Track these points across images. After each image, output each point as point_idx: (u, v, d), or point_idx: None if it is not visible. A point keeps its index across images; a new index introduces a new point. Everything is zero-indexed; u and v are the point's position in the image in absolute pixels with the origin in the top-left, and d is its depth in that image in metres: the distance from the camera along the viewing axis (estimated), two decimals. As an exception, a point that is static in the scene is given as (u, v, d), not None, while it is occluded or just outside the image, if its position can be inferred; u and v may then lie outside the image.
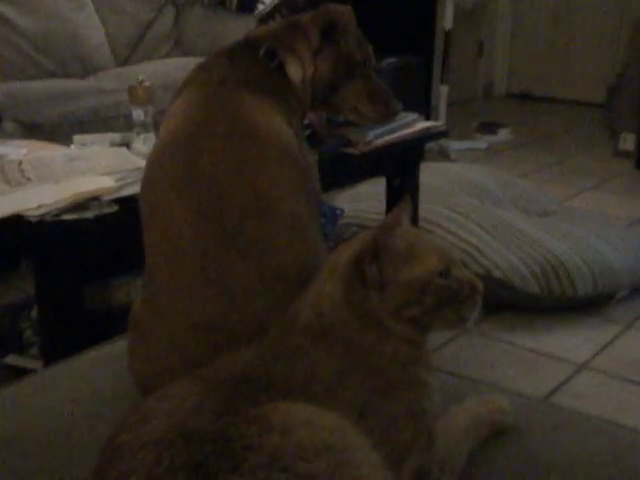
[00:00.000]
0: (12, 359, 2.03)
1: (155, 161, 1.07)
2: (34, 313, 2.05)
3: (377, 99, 1.27)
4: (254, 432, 0.70)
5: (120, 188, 1.77)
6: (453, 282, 0.88)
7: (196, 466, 0.68)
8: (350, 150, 2.33)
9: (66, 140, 2.30)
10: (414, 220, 2.68)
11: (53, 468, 0.96)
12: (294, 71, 1.17)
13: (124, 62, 3.83)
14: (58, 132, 2.85)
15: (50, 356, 1.81)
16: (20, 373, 1.98)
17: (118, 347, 1.16)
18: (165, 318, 0.98)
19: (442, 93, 4.43)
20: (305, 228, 1.03)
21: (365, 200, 3.05)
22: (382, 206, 2.70)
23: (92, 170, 1.86)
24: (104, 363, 1.21)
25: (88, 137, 2.24)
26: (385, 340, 0.86)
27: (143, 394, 1.00)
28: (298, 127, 1.19)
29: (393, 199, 2.66)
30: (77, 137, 2.25)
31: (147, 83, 2.16)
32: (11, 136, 2.66)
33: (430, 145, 4.16)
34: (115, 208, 1.75)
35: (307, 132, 2.26)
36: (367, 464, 0.72)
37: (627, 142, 4.32)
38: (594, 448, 0.98)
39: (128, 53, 3.86)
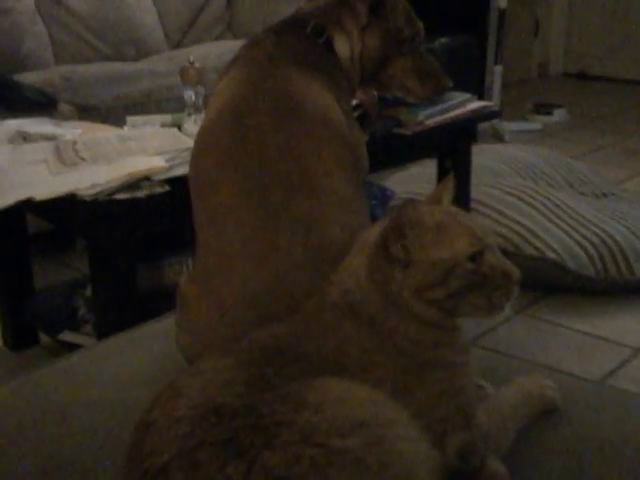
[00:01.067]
0: (67, 336, 2.08)
1: (203, 138, 1.07)
2: (88, 291, 2.09)
3: (426, 75, 1.25)
4: (287, 409, 0.69)
5: (171, 168, 1.79)
6: (484, 267, 0.84)
7: (228, 441, 0.68)
8: (401, 130, 2.31)
9: (119, 122, 2.33)
10: (466, 202, 2.64)
11: (103, 435, 0.97)
12: (342, 47, 1.16)
13: (177, 45, 3.86)
14: (112, 114, 2.90)
15: (103, 333, 1.84)
16: (74, 350, 2.03)
17: (170, 322, 1.18)
18: (211, 293, 0.99)
19: (496, 73, 4.36)
20: (351, 205, 1.02)
21: (416, 182, 3.02)
22: (433, 188, 2.67)
23: (144, 150, 1.89)
24: (156, 337, 1.22)
25: (140, 118, 2.26)
26: (408, 321, 0.83)
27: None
28: (346, 104, 1.18)
29: (444, 180, 2.63)
30: (130, 118, 2.28)
31: (198, 64, 2.18)
32: (66, 118, 2.71)
33: (483, 126, 4.11)
34: (166, 188, 1.76)
35: (357, 112, 2.25)
36: (404, 438, 0.71)
37: (688, 122, 4.20)
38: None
39: (180, 36, 3.89)
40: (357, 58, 1.18)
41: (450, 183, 0.95)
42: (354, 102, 2.24)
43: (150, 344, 1.21)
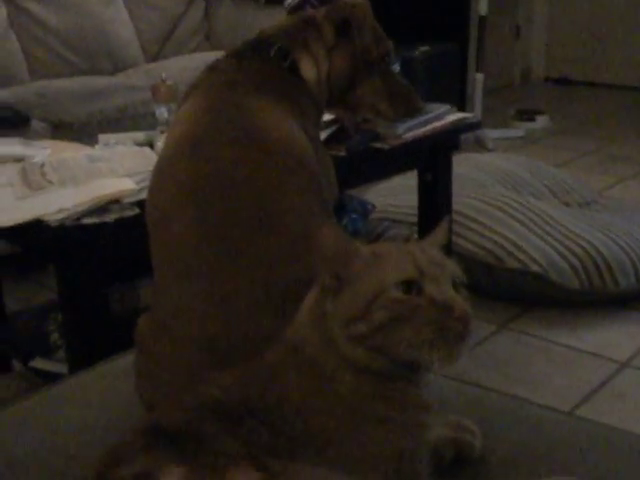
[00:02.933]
0: (39, 362, 2.02)
1: (160, 169, 1.02)
2: (61, 316, 2.03)
3: (397, 97, 1.21)
4: None
5: (141, 190, 1.73)
6: (421, 299, 0.73)
7: None
8: (379, 144, 2.26)
9: (93, 138, 2.27)
10: (447, 214, 2.60)
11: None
12: (308, 70, 1.12)
13: (154, 58, 3.81)
14: (86, 130, 2.84)
15: (75, 360, 1.79)
16: (46, 377, 1.97)
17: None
18: (168, 335, 0.94)
19: (478, 81, 4.33)
20: None
21: (397, 194, 2.98)
22: (414, 200, 2.63)
23: (113, 172, 1.83)
24: (125, 374, 1.17)
25: (112, 137, 2.21)
26: (345, 367, 0.75)
27: (149, 411, 0.96)
28: (313, 130, 1.13)
29: (425, 193, 2.59)
30: (102, 136, 2.22)
31: (170, 81, 2.13)
32: (39, 135, 2.65)
33: (466, 134, 4.07)
34: (136, 211, 1.71)
35: (334, 127, 2.20)
36: None
37: (670, 127, 4.18)
38: (624, 464, 0.92)
39: (157, 49, 3.84)
40: (324, 80, 1.14)
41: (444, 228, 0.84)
42: (330, 117, 2.20)
43: (118, 383, 1.15)
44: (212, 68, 1.10)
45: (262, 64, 1.09)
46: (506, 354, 2.35)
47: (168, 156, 1.01)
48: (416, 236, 2.67)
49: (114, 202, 1.71)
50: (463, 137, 4.04)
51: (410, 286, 0.74)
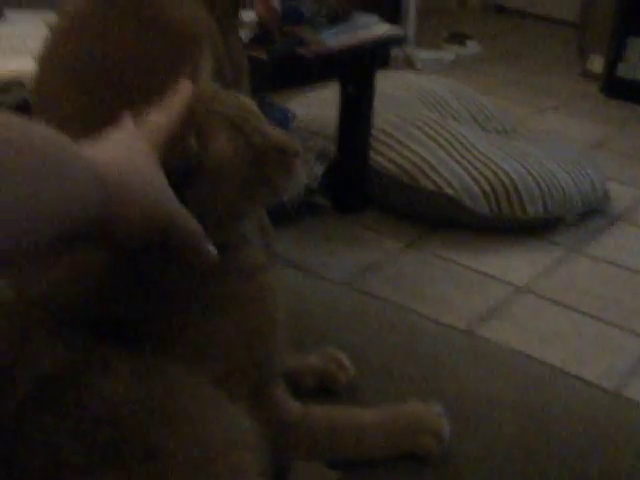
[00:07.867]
0: None
1: (49, 49, 0.95)
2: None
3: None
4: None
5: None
6: None
7: None
8: (302, 50, 2.21)
9: None
10: (367, 130, 2.58)
11: None
12: None
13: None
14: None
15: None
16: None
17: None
18: None
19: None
20: None
21: (318, 106, 2.93)
22: (334, 114, 2.60)
23: (16, 50, 1.73)
24: None
25: (21, 14, 2.08)
26: None
27: None
28: (227, 19, 1.06)
29: (346, 106, 2.56)
30: (9, 12, 2.09)
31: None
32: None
33: (396, 52, 4.03)
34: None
35: (257, 29, 2.13)
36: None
37: (595, 64, 4.22)
38: (505, 381, 0.94)
39: None
40: None
41: None
42: (254, 20, 2.12)
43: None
44: None
45: None
46: (411, 272, 2.39)
47: (57, 36, 0.94)
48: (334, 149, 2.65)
49: (16, 83, 1.63)
50: (393, 55, 4.00)
51: None
